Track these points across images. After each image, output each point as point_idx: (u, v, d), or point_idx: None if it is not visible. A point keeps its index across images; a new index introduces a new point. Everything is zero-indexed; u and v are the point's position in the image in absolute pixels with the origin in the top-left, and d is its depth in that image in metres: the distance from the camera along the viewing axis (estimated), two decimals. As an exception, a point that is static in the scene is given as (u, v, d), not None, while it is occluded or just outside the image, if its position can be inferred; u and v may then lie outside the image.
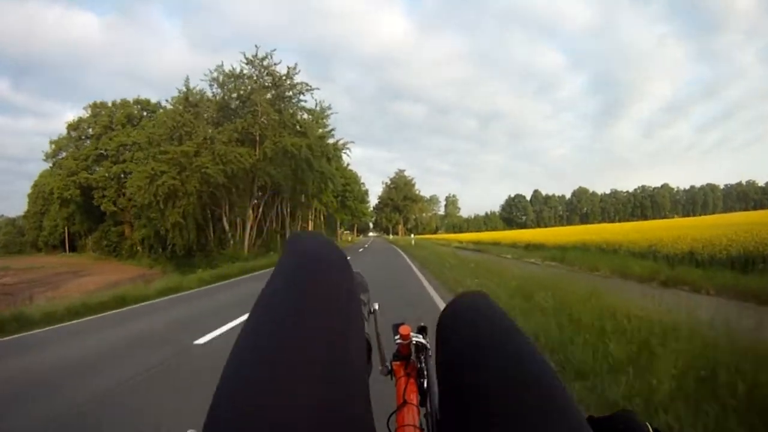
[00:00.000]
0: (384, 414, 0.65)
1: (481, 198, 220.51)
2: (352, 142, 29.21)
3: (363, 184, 54.17)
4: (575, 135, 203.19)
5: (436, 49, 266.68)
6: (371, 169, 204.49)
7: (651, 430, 0.40)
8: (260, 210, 28.04)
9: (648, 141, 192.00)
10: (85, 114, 46.16)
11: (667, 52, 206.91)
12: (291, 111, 24.97)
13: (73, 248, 59.18)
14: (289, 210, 34.09)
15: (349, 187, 48.01)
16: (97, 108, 46.53)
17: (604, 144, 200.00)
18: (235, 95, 24.93)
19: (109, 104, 45.81)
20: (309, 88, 24.93)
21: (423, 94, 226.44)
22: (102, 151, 44.26)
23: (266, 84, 24.60)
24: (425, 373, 0.73)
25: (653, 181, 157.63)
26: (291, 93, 25.09)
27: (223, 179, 21.94)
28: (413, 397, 0.69)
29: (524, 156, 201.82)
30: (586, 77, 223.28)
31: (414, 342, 0.77)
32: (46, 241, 63.45)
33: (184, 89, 24.14)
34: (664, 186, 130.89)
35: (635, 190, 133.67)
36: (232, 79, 24.38)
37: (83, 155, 44.60)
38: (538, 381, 0.43)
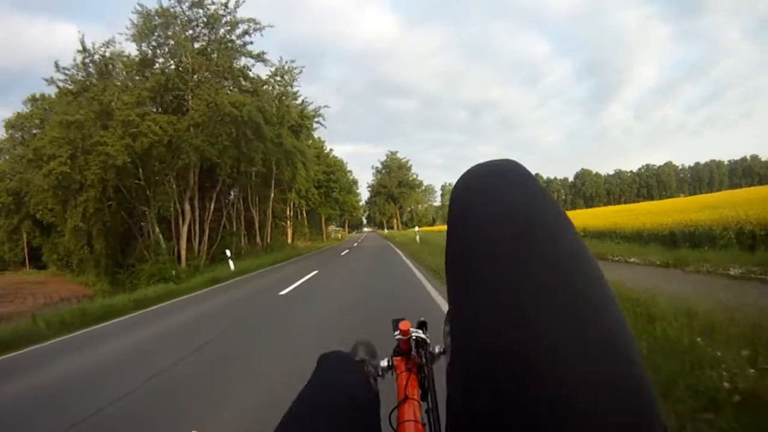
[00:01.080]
0: (386, 410, 0.66)
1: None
2: (326, 106, 21.64)
3: (350, 172, 46.72)
4: (568, 120, 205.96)
5: (423, 41, 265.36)
6: (363, 166, 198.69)
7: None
8: (211, 206, 20.87)
9: (642, 122, 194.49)
10: (24, 109, 38.69)
11: (651, 33, 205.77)
12: (232, 62, 17.58)
13: (40, 263, 52.74)
14: (257, 206, 26.87)
15: (334, 177, 40.93)
16: (36, 101, 39.17)
17: (598, 127, 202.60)
18: (155, 44, 17.50)
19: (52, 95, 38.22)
20: (258, 26, 17.59)
21: (412, 88, 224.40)
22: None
23: (197, 22, 17.27)
24: (426, 368, 0.73)
25: (656, 159, 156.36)
26: (233, 37, 17.72)
27: (124, 158, 14.64)
28: (414, 393, 0.68)
29: (518, 144, 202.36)
30: (574, 62, 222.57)
31: (414, 337, 0.77)
32: (11, 258, 56.69)
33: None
34: (668, 164, 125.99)
35: (639, 169, 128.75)
36: (157, 23, 16.87)
37: (18, 156, 37.34)
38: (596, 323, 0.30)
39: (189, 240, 19.11)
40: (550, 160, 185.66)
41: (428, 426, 0.61)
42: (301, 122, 21.42)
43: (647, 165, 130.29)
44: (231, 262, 15.07)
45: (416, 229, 19.45)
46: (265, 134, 17.01)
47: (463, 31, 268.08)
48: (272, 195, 26.69)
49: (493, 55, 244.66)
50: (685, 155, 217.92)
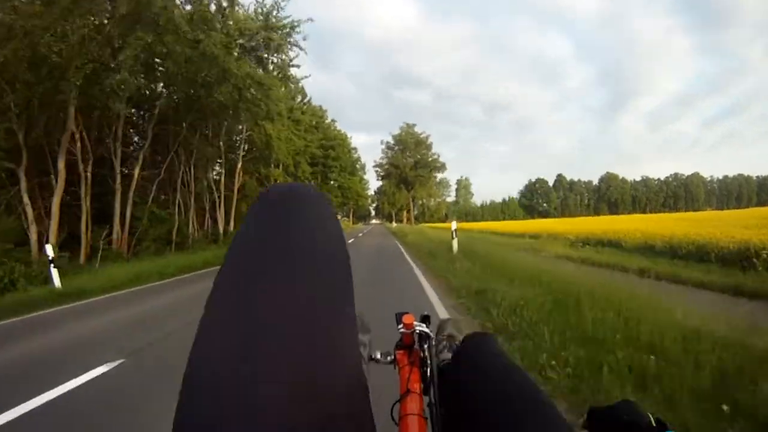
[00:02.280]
0: (388, 403, 0.67)
1: (490, 185, 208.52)
2: (309, 20, 13.18)
3: (355, 149, 38.39)
4: (582, 126, 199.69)
5: (442, 34, 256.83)
6: (375, 156, 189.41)
7: (652, 419, 0.40)
8: (136, 171, 13.30)
9: (660, 132, 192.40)
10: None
11: (673, 45, 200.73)
12: None
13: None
14: (220, 179, 19.15)
15: (334, 153, 33.08)
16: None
17: (613, 133, 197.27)
18: None
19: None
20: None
21: (427, 80, 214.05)
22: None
23: None
24: (428, 362, 0.73)
25: (678, 169, 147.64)
26: None
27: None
28: (417, 386, 0.68)
29: (531, 144, 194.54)
30: (594, 67, 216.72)
31: (417, 331, 0.77)
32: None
33: None
34: (695, 175, 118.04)
35: (666, 178, 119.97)
36: None
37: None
38: (534, 407, 0.46)
39: (70, 220, 11.45)
40: (565, 164, 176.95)
41: (430, 420, 0.62)
42: (262, 38, 13.11)
43: (675, 174, 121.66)
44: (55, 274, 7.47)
45: (453, 226, 11.11)
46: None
47: (483, 26, 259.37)
48: (239, 165, 18.90)
49: (512, 53, 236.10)
50: (708, 168, 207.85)
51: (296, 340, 0.34)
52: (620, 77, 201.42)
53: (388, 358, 0.79)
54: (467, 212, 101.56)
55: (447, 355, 0.79)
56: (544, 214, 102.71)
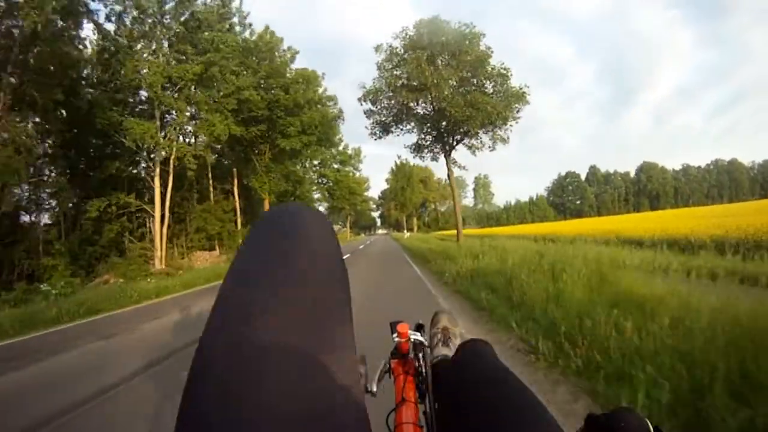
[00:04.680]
0: (383, 412, 0.64)
1: (503, 189, 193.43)
2: None
3: (340, 116, 23.14)
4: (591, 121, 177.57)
5: None
6: (381, 170, 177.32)
7: (651, 427, 0.40)
8: None
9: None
10: None
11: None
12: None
13: None
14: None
15: (287, 98, 18.26)
16: None
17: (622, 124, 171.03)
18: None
19: None
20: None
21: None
22: None
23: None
24: (423, 371, 0.72)
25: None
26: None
27: None
28: (411, 395, 0.68)
29: (538, 144, 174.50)
30: (599, 62, 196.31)
31: (412, 340, 0.77)
32: None
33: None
34: (733, 162, 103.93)
35: (707, 165, 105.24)
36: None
37: None
38: (526, 414, 0.47)
39: None
40: (587, 157, 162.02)
41: (425, 429, 0.62)
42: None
43: (716, 161, 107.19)
44: None
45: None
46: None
47: (484, 28, 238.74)
48: None
49: (514, 54, 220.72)
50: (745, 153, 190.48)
51: (292, 369, 0.32)
52: (630, 67, 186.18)
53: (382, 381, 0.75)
54: (489, 215, 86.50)
55: (441, 350, 0.81)
56: (578, 213, 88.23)
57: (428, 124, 15.52)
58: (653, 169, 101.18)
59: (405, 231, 42.79)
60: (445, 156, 15.31)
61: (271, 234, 0.45)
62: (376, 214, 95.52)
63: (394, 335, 0.77)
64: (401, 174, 38.86)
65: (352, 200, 35.41)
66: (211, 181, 20.75)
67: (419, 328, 0.80)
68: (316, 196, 33.09)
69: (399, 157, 37.36)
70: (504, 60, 17.06)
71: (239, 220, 21.80)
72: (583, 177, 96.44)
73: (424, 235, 41.94)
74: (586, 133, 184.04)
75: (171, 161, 17.08)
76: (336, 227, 46.11)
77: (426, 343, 0.77)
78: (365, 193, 52.88)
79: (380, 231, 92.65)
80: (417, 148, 16.04)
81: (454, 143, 15.50)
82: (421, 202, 63.49)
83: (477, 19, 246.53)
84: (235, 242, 21.37)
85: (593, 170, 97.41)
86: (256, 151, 19.84)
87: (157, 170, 17.28)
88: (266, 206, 20.09)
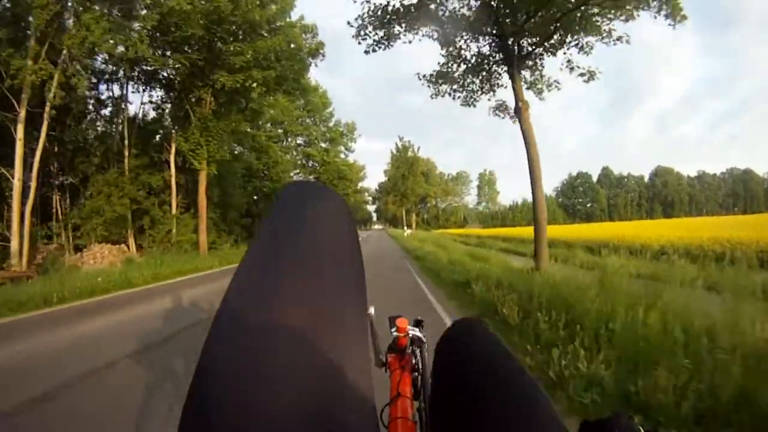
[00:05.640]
0: (377, 406, 0.57)
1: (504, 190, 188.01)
2: None
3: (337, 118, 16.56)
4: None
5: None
6: (380, 164, 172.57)
7: None
8: None
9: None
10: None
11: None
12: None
13: None
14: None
15: (277, 67, 11.78)
16: None
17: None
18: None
19: None
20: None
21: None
22: None
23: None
24: (419, 366, 0.73)
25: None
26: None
27: None
28: (407, 390, 0.68)
29: (541, 147, 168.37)
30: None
31: (410, 335, 0.77)
32: None
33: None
34: (748, 171, 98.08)
35: (722, 174, 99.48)
36: None
37: None
38: (525, 399, 0.44)
39: None
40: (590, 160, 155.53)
41: (419, 424, 0.61)
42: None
43: (731, 169, 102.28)
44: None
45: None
46: None
47: None
48: None
49: None
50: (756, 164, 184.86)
51: (304, 347, 0.33)
52: (633, 75, 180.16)
53: (379, 360, 0.77)
54: (493, 215, 79.91)
55: None
56: (588, 217, 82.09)
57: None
58: (669, 173, 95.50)
59: (405, 227, 35.70)
60: (510, 72, 7.35)
61: (287, 214, 0.46)
62: (372, 208, 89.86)
63: (393, 330, 0.76)
64: (402, 160, 31.88)
65: (342, 186, 28.90)
66: (126, 141, 14.15)
67: (418, 324, 0.79)
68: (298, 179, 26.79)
69: (401, 138, 30.24)
70: None
71: (174, 202, 15.21)
72: (594, 179, 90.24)
73: (425, 233, 35.53)
74: (589, 134, 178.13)
75: (47, 98, 10.61)
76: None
77: (424, 339, 0.76)
78: (360, 184, 46.32)
79: (376, 226, 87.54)
80: (441, 76, 8.58)
81: (532, 46, 7.62)
82: (421, 197, 56.89)
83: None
84: (164, 235, 14.83)
85: (606, 172, 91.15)
86: (193, 99, 13.42)
87: (22, 113, 10.78)
88: (202, 181, 13.73)
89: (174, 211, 15.25)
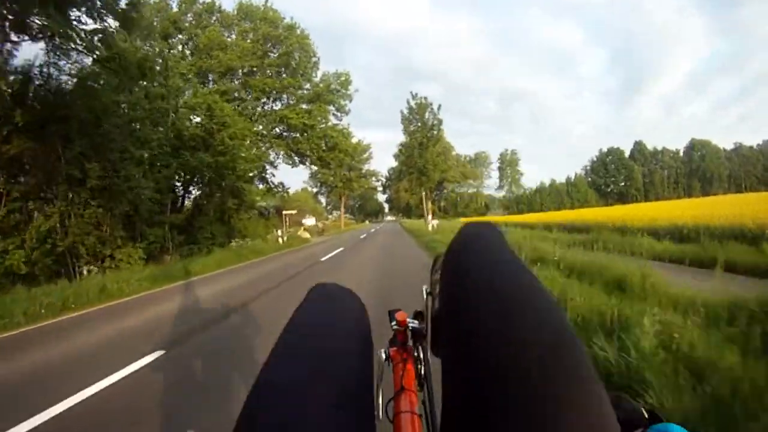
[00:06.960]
0: (382, 400, 0.65)
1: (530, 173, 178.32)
2: None
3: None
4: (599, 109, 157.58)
5: (453, 26, 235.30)
6: (389, 153, 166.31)
7: (645, 413, 0.40)
8: None
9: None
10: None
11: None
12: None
13: None
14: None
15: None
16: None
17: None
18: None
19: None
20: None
21: (440, 74, 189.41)
22: None
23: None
24: (422, 358, 0.72)
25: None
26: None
27: None
28: (411, 383, 0.68)
29: (548, 136, 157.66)
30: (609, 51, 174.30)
31: (410, 328, 0.76)
32: None
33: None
34: None
35: (758, 146, 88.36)
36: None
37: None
38: (540, 333, 0.39)
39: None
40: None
41: (424, 417, 0.62)
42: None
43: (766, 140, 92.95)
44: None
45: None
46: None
47: (495, 16, 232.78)
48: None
49: (526, 42, 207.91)
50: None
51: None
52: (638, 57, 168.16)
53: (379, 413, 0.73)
54: (518, 200, 71.39)
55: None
56: (622, 197, 73.37)
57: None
58: (706, 146, 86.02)
59: (428, 217, 26.61)
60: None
61: (314, 308, 0.56)
62: (382, 198, 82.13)
63: (393, 323, 0.76)
64: (420, 122, 22.72)
65: (334, 160, 21.02)
66: None
67: (417, 316, 0.79)
68: (272, 155, 18.74)
69: (414, 95, 21.40)
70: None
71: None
72: (626, 155, 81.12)
73: (447, 223, 27.55)
74: (615, 107, 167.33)
75: None
76: (329, 217, 32.08)
77: (424, 332, 0.74)
78: (365, 166, 38.23)
79: (388, 218, 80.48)
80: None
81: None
82: (438, 181, 48.71)
83: (491, 7, 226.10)
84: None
85: (639, 147, 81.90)
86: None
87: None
88: None
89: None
